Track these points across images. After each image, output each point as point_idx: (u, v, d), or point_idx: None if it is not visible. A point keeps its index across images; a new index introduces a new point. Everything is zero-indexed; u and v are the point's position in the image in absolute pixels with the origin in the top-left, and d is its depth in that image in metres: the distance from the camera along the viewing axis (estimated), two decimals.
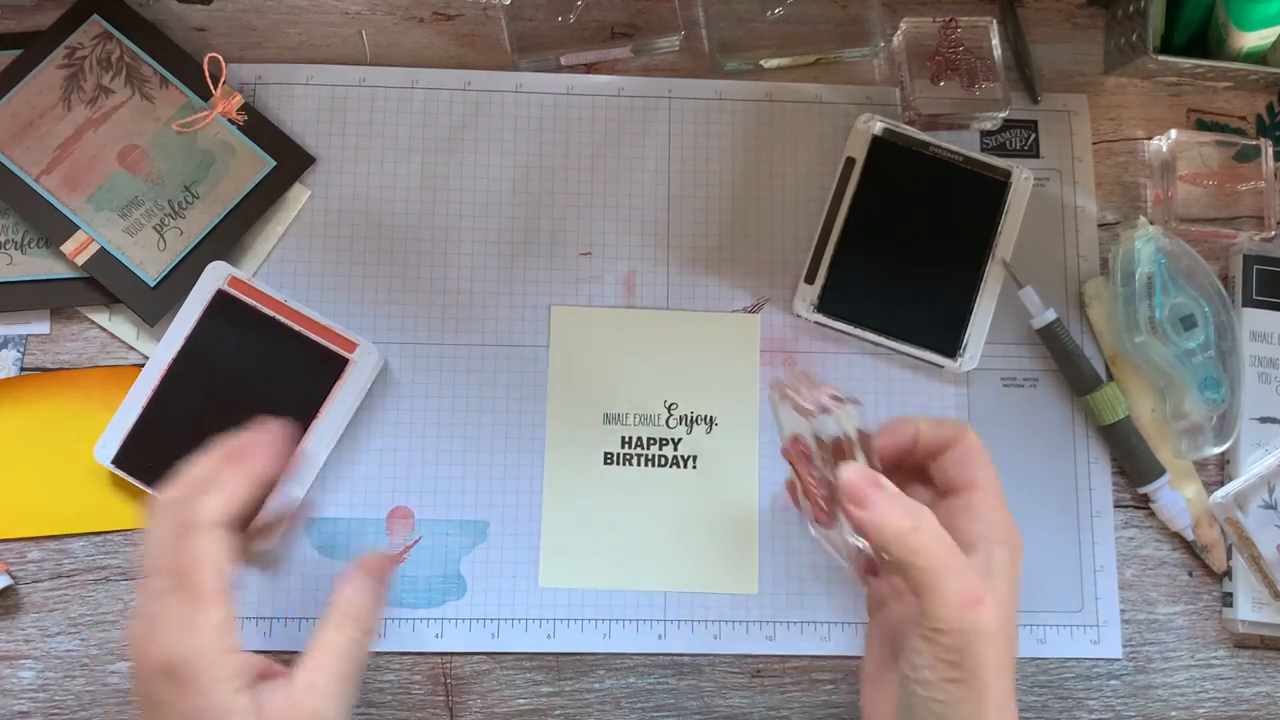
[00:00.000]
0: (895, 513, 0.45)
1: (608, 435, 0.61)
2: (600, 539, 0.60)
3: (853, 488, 0.46)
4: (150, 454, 0.58)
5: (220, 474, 0.47)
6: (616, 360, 0.62)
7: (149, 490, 0.58)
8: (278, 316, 0.59)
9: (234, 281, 0.59)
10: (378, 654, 0.59)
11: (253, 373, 0.59)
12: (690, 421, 0.62)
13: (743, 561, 0.60)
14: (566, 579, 0.60)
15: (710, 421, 0.62)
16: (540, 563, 0.60)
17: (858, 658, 0.60)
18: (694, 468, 0.61)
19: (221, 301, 0.59)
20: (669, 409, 0.62)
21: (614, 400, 0.62)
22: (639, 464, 0.61)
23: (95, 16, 0.62)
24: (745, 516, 0.61)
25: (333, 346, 0.59)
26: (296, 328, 0.59)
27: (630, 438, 0.61)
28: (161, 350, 0.59)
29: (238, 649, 0.44)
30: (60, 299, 0.61)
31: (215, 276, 0.59)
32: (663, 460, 0.61)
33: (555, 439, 0.61)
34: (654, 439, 0.61)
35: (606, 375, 0.62)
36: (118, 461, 0.57)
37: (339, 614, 0.48)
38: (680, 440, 0.61)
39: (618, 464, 0.61)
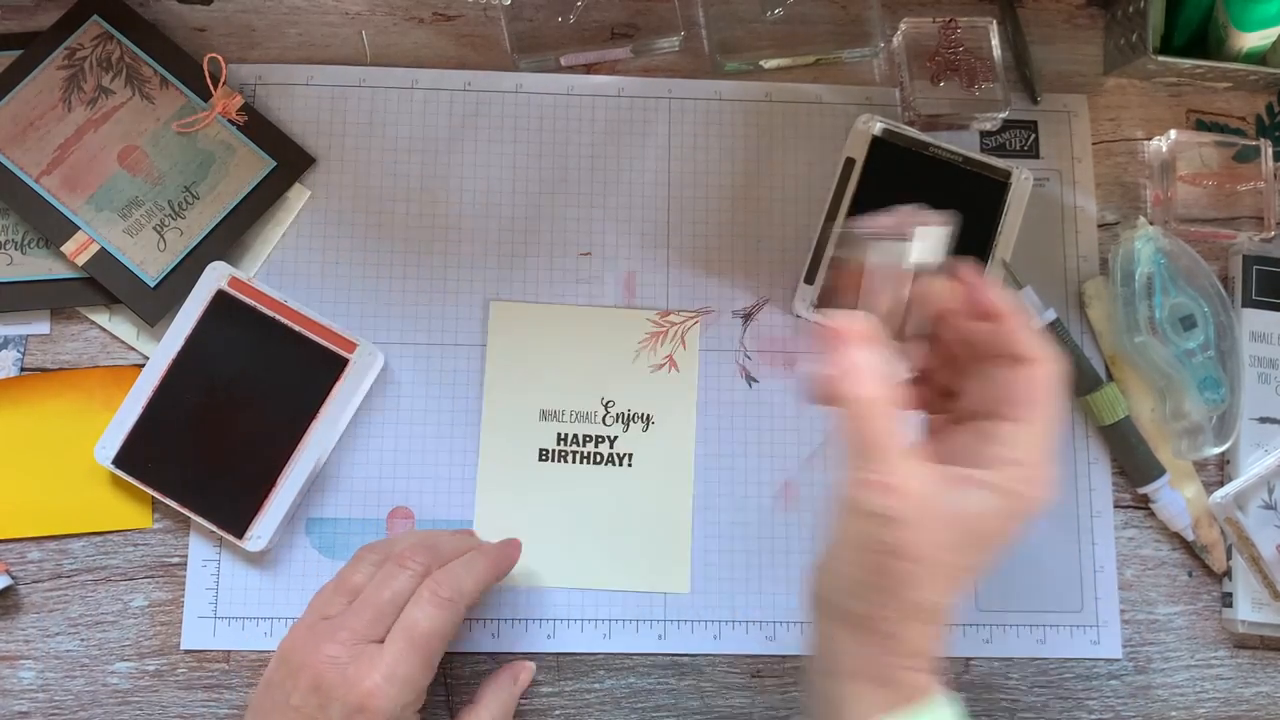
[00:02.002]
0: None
1: (544, 432, 0.61)
2: (532, 536, 0.60)
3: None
4: (151, 454, 0.58)
5: (477, 563, 0.54)
6: (554, 356, 0.62)
7: (149, 490, 0.58)
8: (277, 317, 0.59)
9: (234, 282, 0.59)
10: None
11: (253, 373, 0.59)
12: (627, 419, 0.62)
13: (675, 561, 0.60)
14: None
15: (647, 420, 0.62)
16: None
17: None
18: (629, 466, 0.61)
19: (221, 302, 0.59)
20: (606, 406, 0.62)
21: (550, 397, 0.62)
22: (574, 461, 0.61)
23: (95, 17, 0.62)
24: (679, 515, 0.61)
25: (332, 347, 0.59)
26: (296, 328, 0.59)
27: (566, 435, 0.61)
28: (161, 350, 0.59)
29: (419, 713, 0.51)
30: (60, 299, 0.61)
31: (215, 277, 0.59)
32: (598, 458, 0.61)
33: (490, 435, 0.61)
34: (589, 436, 0.61)
35: (543, 371, 0.62)
36: (118, 462, 0.57)
37: (497, 690, 0.56)
38: (616, 438, 0.61)
39: (553, 460, 0.61)
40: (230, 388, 0.58)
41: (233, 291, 0.59)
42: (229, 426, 0.58)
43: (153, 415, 0.58)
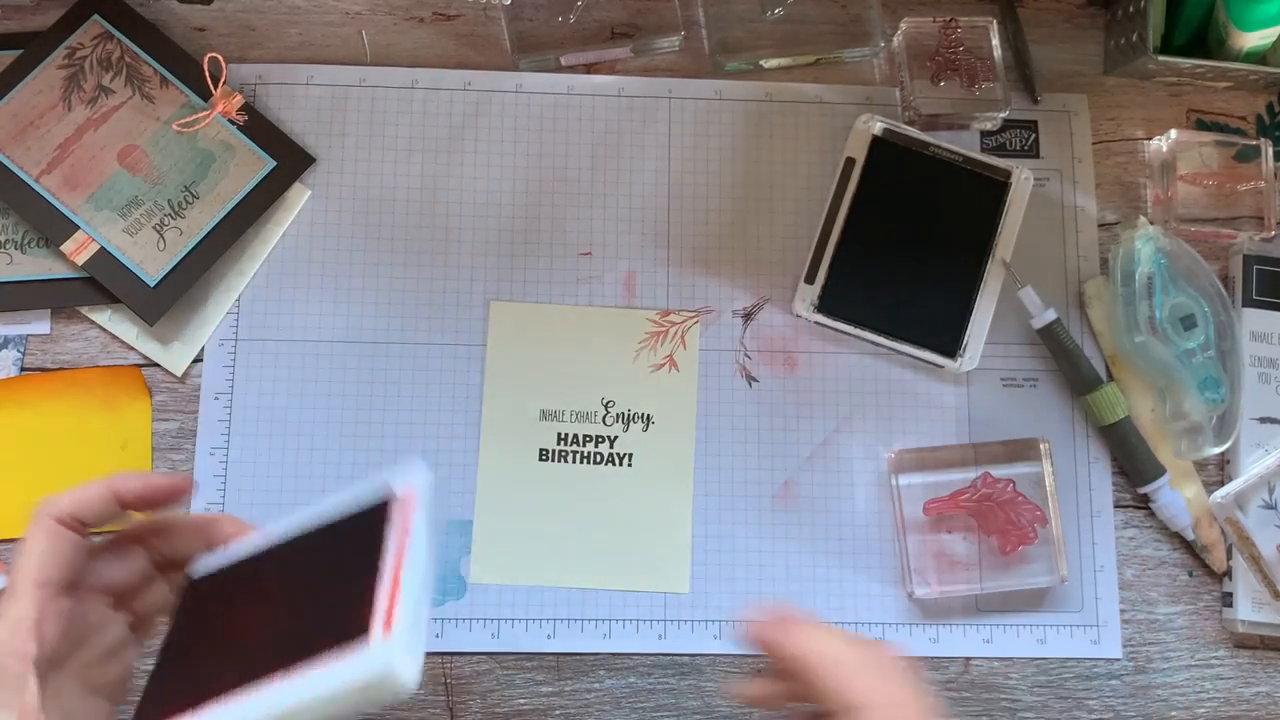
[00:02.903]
0: None
1: (544, 432, 0.61)
2: (532, 535, 0.60)
3: None
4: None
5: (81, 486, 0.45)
6: (554, 356, 0.62)
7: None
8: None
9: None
10: None
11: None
12: (627, 419, 0.62)
13: (675, 561, 0.60)
14: (497, 575, 0.60)
15: (647, 420, 0.62)
16: (471, 559, 0.60)
17: None
18: (629, 466, 0.61)
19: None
20: (606, 406, 0.62)
21: (550, 397, 0.62)
22: (574, 461, 0.61)
23: (95, 17, 0.62)
24: (678, 515, 0.61)
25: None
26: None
27: (566, 434, 0.61)
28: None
29: (26, 649, 0.40)
30: (60, 299, 0.61)
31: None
32: (598, 458, 0.61)
33: (490, 435, 0.61)
34: (589, 436, 0.61)
35: (543, 371, 0.62)
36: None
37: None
38: (616, 438, 0.61)
39: (553, 460, 0.61)
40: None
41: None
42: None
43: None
